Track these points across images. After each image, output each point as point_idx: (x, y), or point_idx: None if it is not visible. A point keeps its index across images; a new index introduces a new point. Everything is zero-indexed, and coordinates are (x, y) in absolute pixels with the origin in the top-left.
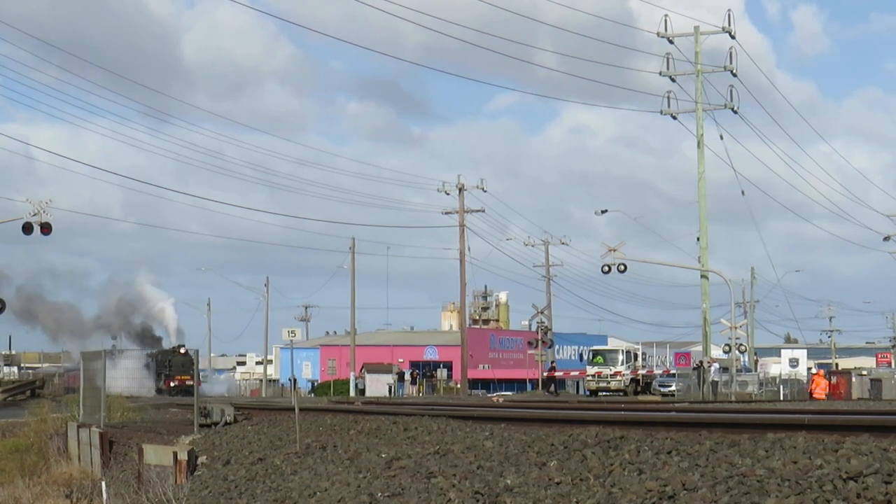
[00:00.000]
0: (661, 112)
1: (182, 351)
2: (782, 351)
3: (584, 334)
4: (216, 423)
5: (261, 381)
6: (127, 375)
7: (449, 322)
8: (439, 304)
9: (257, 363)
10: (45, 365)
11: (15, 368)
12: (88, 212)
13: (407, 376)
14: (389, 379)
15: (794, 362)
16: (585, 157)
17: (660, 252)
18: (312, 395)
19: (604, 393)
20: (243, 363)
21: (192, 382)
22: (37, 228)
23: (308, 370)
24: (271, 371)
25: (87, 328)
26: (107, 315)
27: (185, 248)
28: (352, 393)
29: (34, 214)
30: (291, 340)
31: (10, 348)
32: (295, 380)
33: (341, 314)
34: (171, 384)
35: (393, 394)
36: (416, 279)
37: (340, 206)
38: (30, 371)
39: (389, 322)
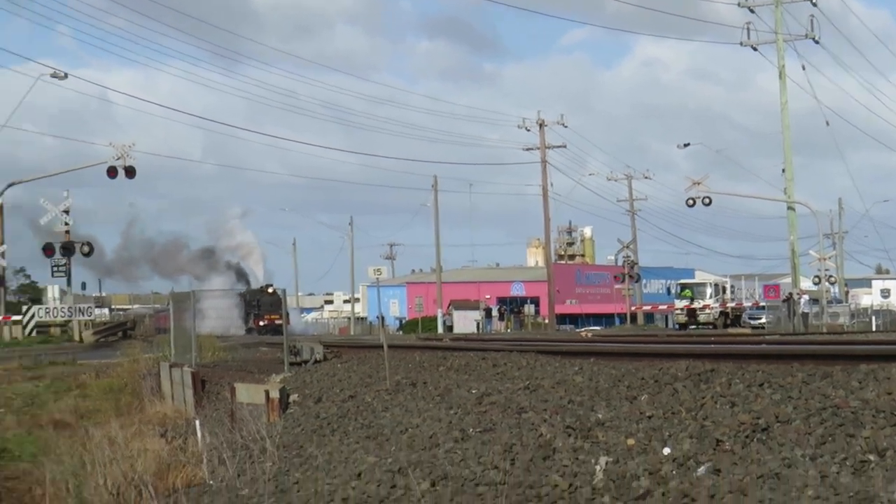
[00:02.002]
0: (741, 44)
1: (270, 290)
2: (873, 282)
3: (670, 268)
4: (306, 362)
5: (349, 319)
6: (216, 315)
7: (534, 258)
8: (524, 241)
9: (345, 302)
10: (136, 306)
11: (106, 310)
12: (167, 154)
13: (494, 312)
14: (477, 315)
15: (885, 293)
16: (659, 91)
17: (741, 184)
18: (400, 332)
19: (693, 326)
20: (330, 302)
21: (280, 321)
22: (121, 172)
23: (395, 308)
24: (359, 309)
25: (180, 267)
26: (195, 256)
27: (264, 189)
28: (439, 330)
29: (118, 158)
30: (377, 279)
31: (100, 290)
32: (383, 317)
33: (426, 252)
34: (261, 323)
35: (481, 330)
36: (498, 216)
37: (416, 144)
38: (120, 312)
39: (475, 259)
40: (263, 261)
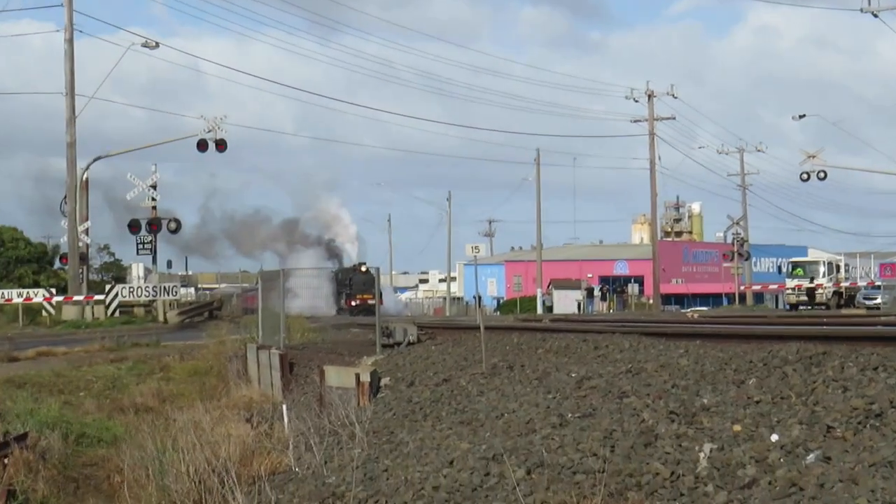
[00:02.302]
0: (861, 10)
1: (363, 269)
2: None
3: (782, 245)
4: (399, 344)
5: (444, 299)
6: (306, 295)
7: (639, 235)
8: (628, 217)
9: (440, 281)
10: (223, 285)
11: (192, 289)
12: (259, 126)
13: (596, 292)
14: (578, 295)
15: None
16: (773, 60)
17: (858, 158)
18: (498, 312)
19: (804, 307)
20: (426, 281)
21: (373, 301)
22: (211, 146)
23: (493, 287)
24: (455, 289)
25: (261, 242)
26: (277, 229)
27: (359, 163)
28: (539, 310)
29: (208, 131)
30: (475, 256)
31: (186, 269)
32: (480, 297)
33: (526, 229)
34: (352, 303)
35: (582, 310)
36: (602, 191)
37: (518, 116)
38: (207, 292)
39: (577, 236)
40: (357, 238)
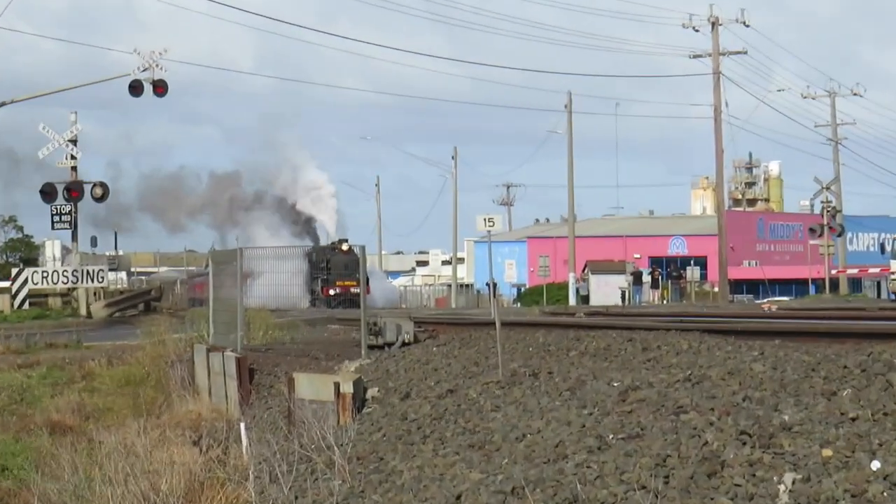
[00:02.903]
0: None
1: (344, 248)
2: None
3: (885, 217)
4: (390, 344)
5: (449, 286)
6: (271, 281)
7: (701, 203)
8: (686, 180)
9: (444, 263)
10: (163, 269)
11: (123, 274)
12: (209, 64)
13: (645, 277)
14: (622, 281)
15: None
16: None
17: None
18: (518, 304)
19: None
20: (425, 263)
21: (357, 290)
22: (148, 88)
23: (512, 271)
24: (463, 273)
25: (191, 211)
26: (214, 191)
27: (340, 112)
28: (571, 301)
29: (144, 70)
30: (489, 232)
31: (115, 248)
32: (495, 284)
33: (554, 196)
34: (331, 292)
35: (627, 301)
36: (653, 147)
37: (543, 51)
38: (143, 278)
39: (621, 206)
40: (336, 209)
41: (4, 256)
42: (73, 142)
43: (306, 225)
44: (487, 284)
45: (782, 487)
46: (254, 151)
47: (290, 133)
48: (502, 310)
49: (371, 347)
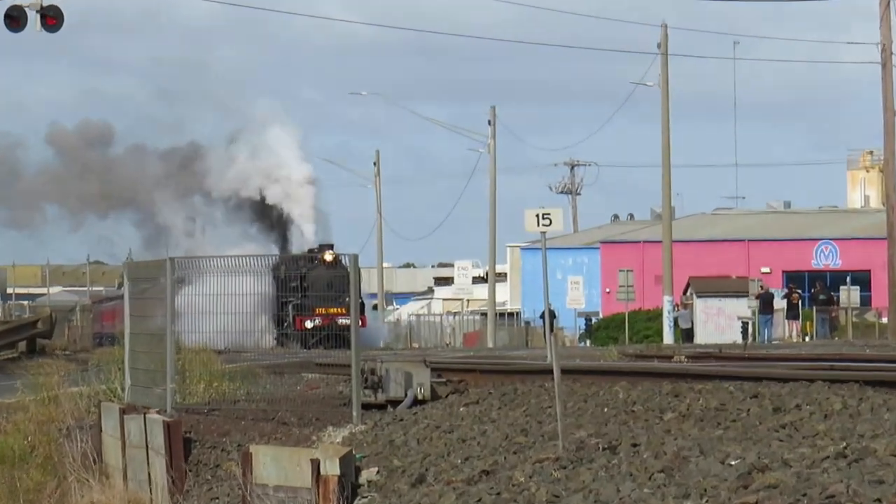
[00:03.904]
0: None
1: (328, 258)
2: None
3: None
4: (396, 403)
5: (484, 315)
6: (218, 309)
7: (861, 192)
8: (841, 157)
9: (476, 281)
10: (56, 290)
11: None
12: None
13: (778, 302)
14: (743, 308)
15: None
16: None
17: None
18: (588, 342)
19: None
20: (447, 281)
21: (346, 320)
22: (33, 19)
23: (578, 293)
24: (504, 296)
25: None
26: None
27: (321, 55)
28: (667, 337)
29: None
30: (544, 234)
31: None
32: (553, 312)
33: (641, 181)
34: (308, 324)
35: (753, 337)
36: (788, 107)
37: None
38: (24, 303)
39: (741, 195)
40: (313, 202)
41: None
42: None
43: (279, 225)
44: (542, 316)
45: None
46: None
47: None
48: (563, 350)
49: (367, 407)
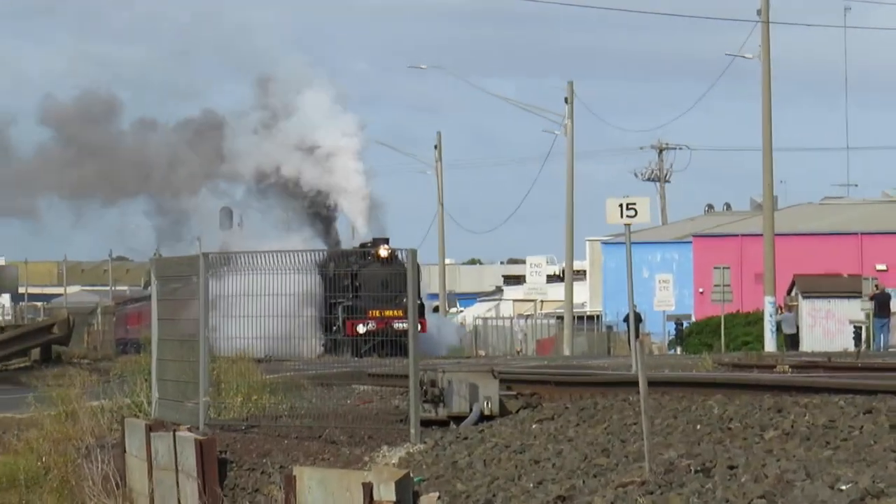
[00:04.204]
0: None
1: (383, 253)
2: None
3: None
4: (460, 419)
5: (560, 319)
6: (259, 311)
7: None
8: None
9: (552, 279)
10: (75, 289)
11: (5, 298)
12: None
13: None
14: (856, 310)
15: None
16: None
17: None
18: (678, 349)
19: None
20: (518, 280)
21: (403, 324)
22: None
23: (667, 293)
24: (583, 296)
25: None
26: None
27: (372, 24)
28: (769, 344)
29: None
30: (629, 227)
31: None
32: (638, 316)
33: (739, 166)
34: (360, 329)
35: (866, 343)
36: None
37: None
38: (39, 304)
39: (853, 182)
40: (365, 190)
41: None
42: None
43: (323, 215)
44: (625, 319)
45: None
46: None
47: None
48: (650, 359)
49: (427, 424)
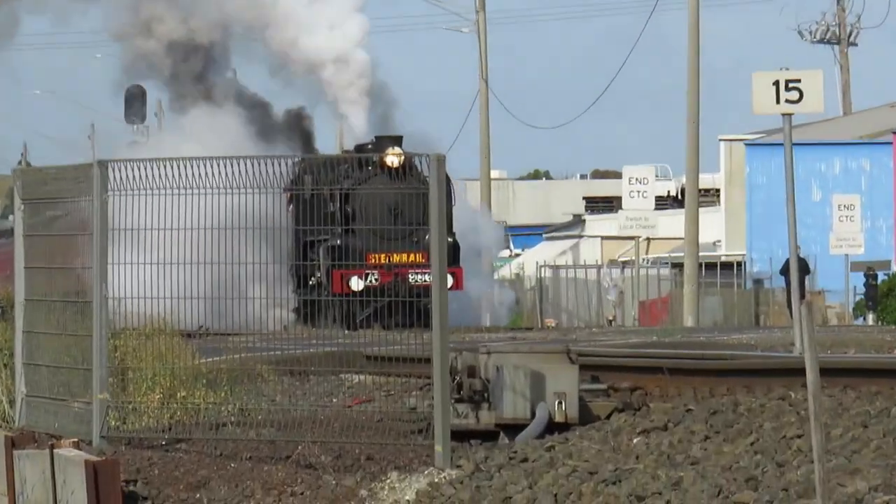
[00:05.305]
0: None
1: (392, 161)
2: None
3: None
4: (511, 427)
5: (677, 267)
6: (189, 258)
7: None
8: None
9: (662, 203)
10: None
11: None
12: None
13: None
14: None
15: None
16: None
17: None
18: (870, 315)
19: None
20: (609, 204)
21: (424, 277)
22: None
23: (851, 226)
24: (713, 232)
25: None
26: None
27: None
28: None
29: None
30: (789, 119)
31: None
32: (804, 264)
33: None
34: (353, 283)
35: None
36: None
37: None
38: None
39: None
40: (368, 66)
41: None
42: None
43: (297, 117)
44: (784, 268)
45: None
46: None
47: None
48: (824, 333)
49: (463, 436)
